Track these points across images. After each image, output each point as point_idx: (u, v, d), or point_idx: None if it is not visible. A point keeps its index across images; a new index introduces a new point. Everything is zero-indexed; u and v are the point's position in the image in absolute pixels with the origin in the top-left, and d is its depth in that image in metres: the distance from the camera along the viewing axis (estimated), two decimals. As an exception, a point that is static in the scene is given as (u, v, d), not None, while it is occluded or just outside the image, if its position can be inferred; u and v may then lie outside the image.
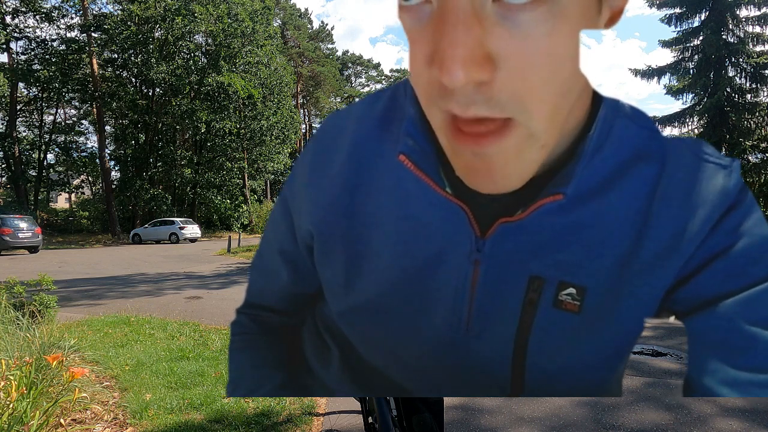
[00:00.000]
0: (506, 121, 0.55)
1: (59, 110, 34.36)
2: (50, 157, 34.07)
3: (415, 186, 0.70)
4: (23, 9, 29.05)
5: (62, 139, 32.95)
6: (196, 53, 32.06)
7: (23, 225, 19.08)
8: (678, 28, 21.98)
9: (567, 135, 0.65)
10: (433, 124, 0.60)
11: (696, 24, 21.49)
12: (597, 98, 0.66)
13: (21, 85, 30.50)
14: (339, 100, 54.44)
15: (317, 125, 55.37)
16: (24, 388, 2.42)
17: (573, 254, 0.68)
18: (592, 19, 0.55)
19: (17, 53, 30.17)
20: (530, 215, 0.66)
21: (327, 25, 59.69)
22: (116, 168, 33.86)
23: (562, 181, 0.64)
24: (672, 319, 0.75)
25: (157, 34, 30.42)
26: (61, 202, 44.53)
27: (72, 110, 35.26)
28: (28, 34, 29.90)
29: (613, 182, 0.67)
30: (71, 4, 30.44)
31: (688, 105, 21.97)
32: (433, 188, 0.68)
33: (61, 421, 2.83)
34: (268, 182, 40.70)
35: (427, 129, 0.68)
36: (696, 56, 21.43)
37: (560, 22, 0.51)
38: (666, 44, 21.99)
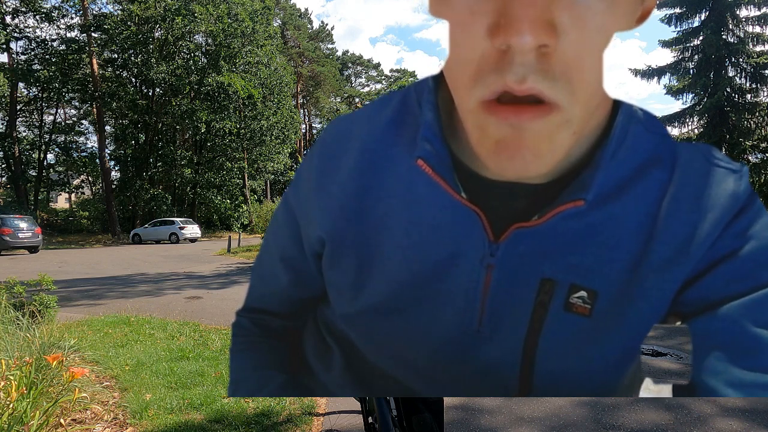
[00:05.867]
0: (551, 105, 0.56)
1: (59, 110, 34.38)
2: (50, 157, 34.12)
3: (427, 190, 0.70)
4: (23, 9, 29.03)
5: (62, 139, 32.95)
6: (196, 53, 32.04)
7: (23, 225, 19.07)
8: (678, 28, 22.01)
9: (586, 139, 0.66)
10: (467, 108, 0.60)
11: (696, 24, 21.52)
12: (614, 104, 0.68)
13: (21, 85, 30.51)
14: (339, 100, 54.42)
15: (317, 125, 55.39)
16: (24, 388, 2.42)
17: (585, 258, 0.68)
18: (634, 10, 0.59)
19: (17, 53, 30.17)
20: (547, 221, 0.67)
21: (327, 25, 59.71)
22: (116, 168, 33.90)
23: (581, 187, 0.65)
24: (678, 324, 0.75)
25: (157, 34, 30.42)
26: (61, 202, 44.51)
27: (72, 110, 35.32)
28: (28, 34, 29.90)
29: (626, 187, 0.68)
30: (71, 4, 30.44)
31: (688, 105, 21.99)
32: (448, 193, 0.68)
33: (61, 421, 2.83)
34: (268, 182, 40.68)
35: (444, 134, 0.69)
36: (696, 56, 21.44)
37: (616, 2, 0.55)
38: (666, 44, 22.00)
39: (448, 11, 0.57)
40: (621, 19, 0.57)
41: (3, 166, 31.37)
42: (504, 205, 0.69)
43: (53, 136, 32.60)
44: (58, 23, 30.65)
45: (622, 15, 0.57)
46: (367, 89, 59.45)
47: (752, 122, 20.13)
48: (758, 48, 20.55)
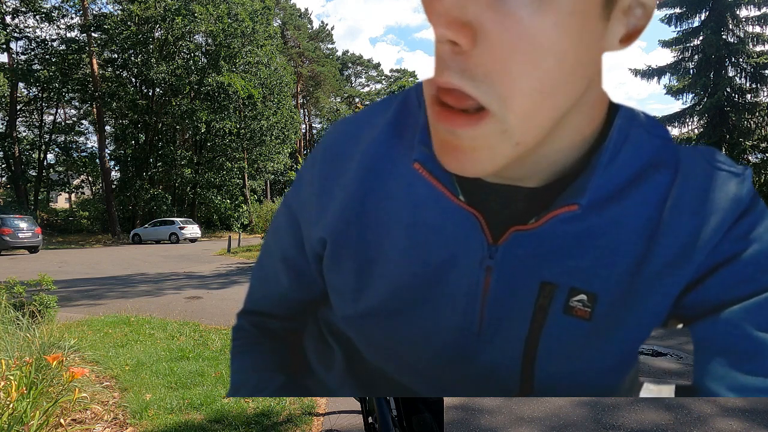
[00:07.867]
0: (481, 110, 0.55)
1: (59, 110, 34.38)
2: (50, 157, 34.13)
3: (427, 193, 0.70)
4: (23, 9, 29.03)
5: (62, 139, 32.95)
6: (196, 53, 32.04)
7: (23, 225, 19.07)
8: (678, 28, 22.01)
9: (582, 143, 0.65)
10: (426, 102, 0.62)
11: (696, 24, 21.52)
12: (613, 108, 0.67)
13: (21, 85, 30.51)
14: (339, 100, 54.40)
15: (317, 125, 55.32)
16: (24, 388, 2.42)
17: (585, 261, 0.68)
18: (590, 20, 0.53)
19: (17, 53, 30.18)
20: (544, 225, 0.67)
21: (327, 25, 59.70)
22: (116, 168, 33.93)
23: (576, 191, 0.65)
24: (680, 326, 0.75)
25: (157, 34, 30.43)
26: (61, 202, 44.50)
27: (72, 110, 35.33)
28: (28, 34, 29.90)
29: (627, 191, 0.67)
30: (71, 4, 30.44)
31: (688, 105, 22.00)
32: (446, 195, 0.69)
33: (61, 421, 2.82)
34: (268, 182, 40.69)
35: None
36: (696, 56, 21.44)
37: (547, 8, 0.50)
38: (666, 44, 22.00)
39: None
40: (574, 22, 0.52)
41: (3, 166, 31.37)
42: (502, 207, 0.69)
43: (53, 136, 32.59)
44: (58, 23, 30.67)
45: (569, 18, 0.51)
46: (367, 89, 59.46)
47: (752, 122, 20.14)
48: (758, 48, 20.55)
